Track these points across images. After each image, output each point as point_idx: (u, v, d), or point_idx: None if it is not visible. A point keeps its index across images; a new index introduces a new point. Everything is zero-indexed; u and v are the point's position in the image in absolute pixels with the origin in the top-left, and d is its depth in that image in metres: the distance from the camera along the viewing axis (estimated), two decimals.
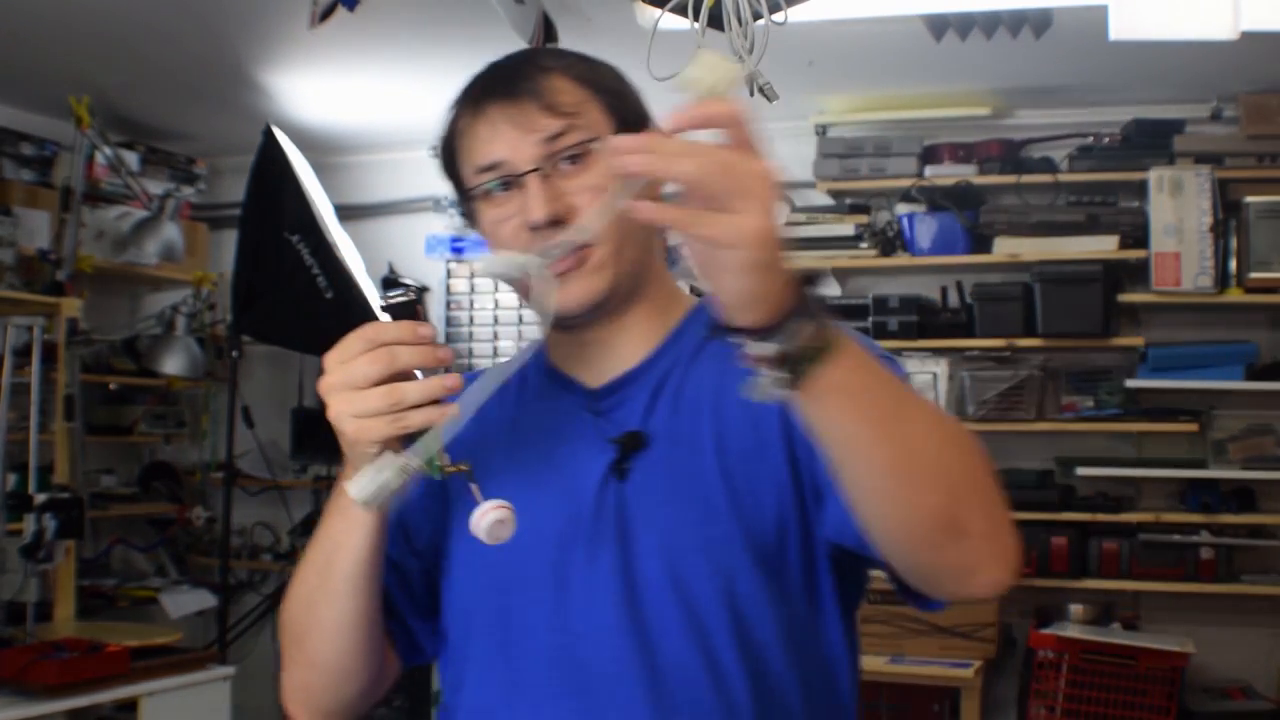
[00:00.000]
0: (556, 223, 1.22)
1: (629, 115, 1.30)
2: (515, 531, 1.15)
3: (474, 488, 1.16)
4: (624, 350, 1.32)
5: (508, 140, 1.25)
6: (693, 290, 1.40)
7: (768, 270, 0.94)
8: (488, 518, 1.13)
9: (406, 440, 1.14)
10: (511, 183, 1.26)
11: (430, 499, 1.35)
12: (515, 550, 1.20)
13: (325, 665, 1.30)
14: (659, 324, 1.33)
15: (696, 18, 1.97)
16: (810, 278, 0.98)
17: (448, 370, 1.14)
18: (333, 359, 1.13)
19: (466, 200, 1.32)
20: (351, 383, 1.11)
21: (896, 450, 1.03)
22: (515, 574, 1.27)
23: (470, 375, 1.38)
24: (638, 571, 1.22)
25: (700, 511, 1.23)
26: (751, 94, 1.93)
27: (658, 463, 1.25)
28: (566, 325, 1.29)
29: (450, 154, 1.32)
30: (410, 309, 1.15)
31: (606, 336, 1.31)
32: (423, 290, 5.07)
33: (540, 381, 1.37)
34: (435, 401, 1.12)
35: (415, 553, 1.36)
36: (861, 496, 1.07)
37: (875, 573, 1.28)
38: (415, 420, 1.11)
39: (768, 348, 0.97)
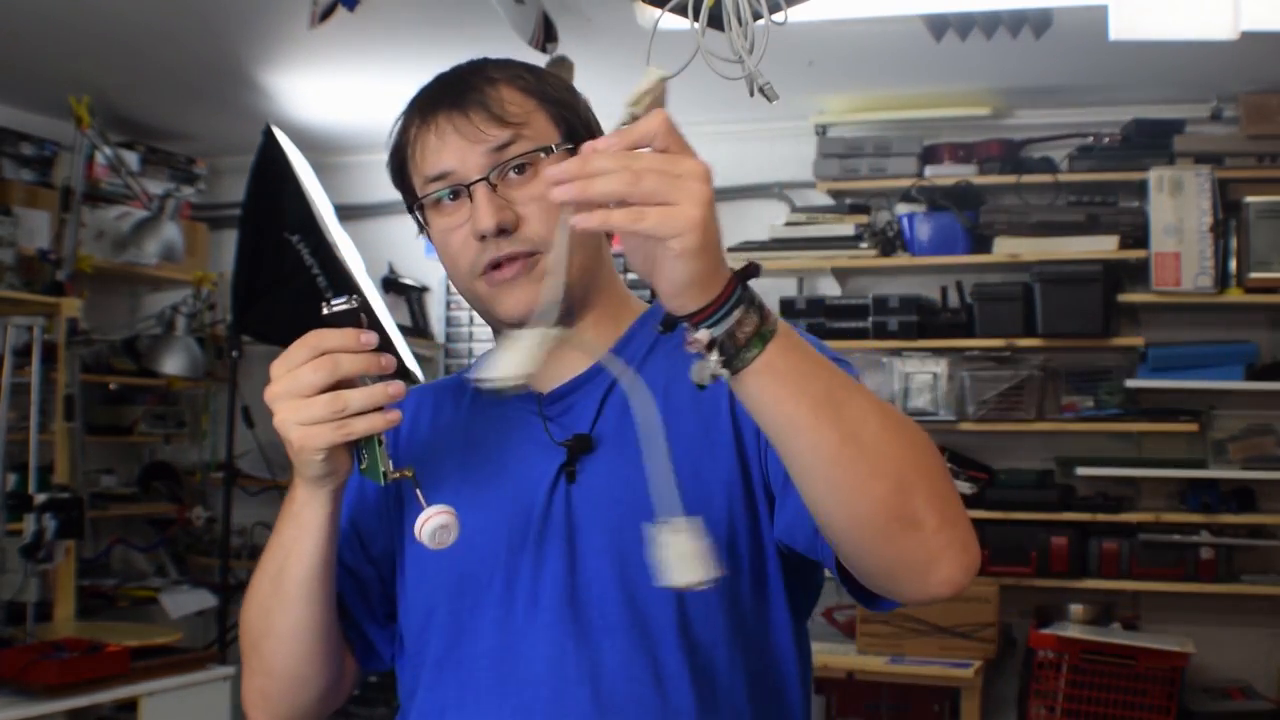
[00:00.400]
0: (504, 231, 1.25)
1: (577, 125, 1.33)
2: (460, 535, 1.17)
3: (418, 493, 1.17)
4: (574, 356, 1.33)
5: (455, 150, 1.27)
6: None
7: (702, 257, 0.97)
8: (431, 523, 1.14)
9: (352, 447, 1.16)
10: (460, 192, 1.28)
11: (385, 505, 1.38)
12: (467, 554, 1.24)
13: (282, 672, 1.31)
14: (610, 330, 1.34)
15: (696, 18, 1.96)
16: (746, 269, 1.02)
17: (392, 377, 1.16)
18: (278, 368, 1.15)
19: (416, 209, 1.34)
20: (296, 391, 1.13)
21: (840, 434, 1.04)
22: (467, 577, 1.28)
23: (418, 389, 1.45)
24: (583, 572, 1.24)
25: (647, 512, 1.22)
26: (751, 94, 1.93)
27: (605, 465, 1.27)
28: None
29: (400, 163, 1.35)
30: (353, 316, 1.16)
31: (560, 347, 1.32)
32: (423, 290, 5.08)
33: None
34: (379, 409, 1.14)
35: (371, 559, 1.38)
36: (810, 485, 1.08)
37: None
38: (359, 427, 1.13)
39: (706, 333, 1.00)
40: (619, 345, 1.34)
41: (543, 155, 1.28)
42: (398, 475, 1.18)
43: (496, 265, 1.27)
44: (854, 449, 1.04)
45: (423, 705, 1.32)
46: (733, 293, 1.00)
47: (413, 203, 1.34)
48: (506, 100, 1.29)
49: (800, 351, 1.04)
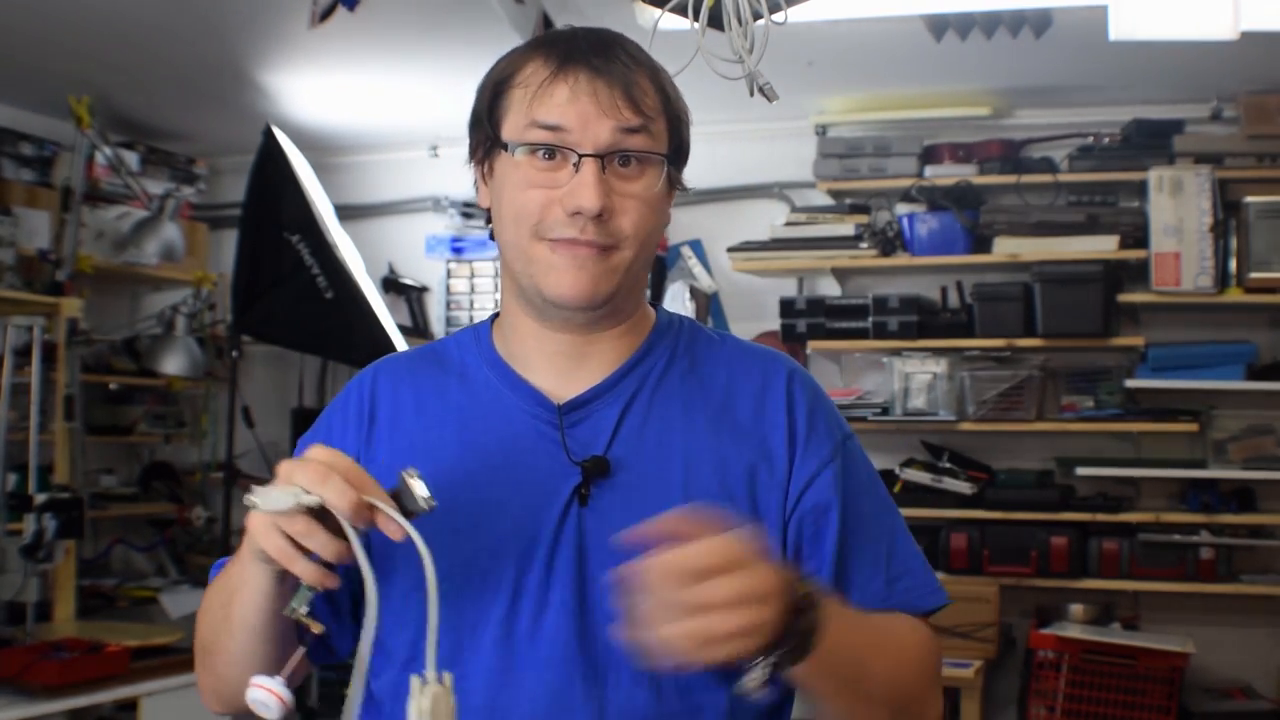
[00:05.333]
0: (599, 217, 1.21)
1: (683, 143, 1.31)
2: (464, 544, 1.20)
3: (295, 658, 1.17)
4: (592, 363, 1.30)
5: (583, 113, 1.21)
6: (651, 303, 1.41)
7: (762, 631, 1.06)
8: (253, 694, 1.12)
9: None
10: (556, 153, 1.22)
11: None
12: (471, 562, 1.22)
13: (231, 679, 1.27)
14: (629, 340, 1.32)
15: (696, 18, 1.96)
16: (802, 599, 1.10)
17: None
18: (292, 465, 1.11)
19: (493, 146, 1.27)
20: (289, 474, 1.09)
21: (859, 701, 1.21)
22: (468, 592, 1.24)
23: (384, 364, 1.39)
24: (590, 596, 1.22)
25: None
26: (751, 94, 1.93)
27: (620, 492, 1.25)
28: (554, 316, 1.28)
29: (498, 94, 1.27)
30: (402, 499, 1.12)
31: (581, 344, 1.30)
32: (423, 290, 5.08)
33: (490, 376, 1.33)
34: (324, 563, 1.10)
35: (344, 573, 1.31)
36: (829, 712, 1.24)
37: None
38: (298, 566, 1.10)
39: (759, 665, 1.10)
40: (633, 360, 1.31)
41: (652, 158, 1.25)
42: (303, 620, 1.14)
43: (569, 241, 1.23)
44: (869, 706, 1.22)
45: None
46: (784, 632, 1.08)
47: (492, 139, 1.27)
48: (645, 90, 1.24)
49: (837, 641, 1.12)
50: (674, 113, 1.28)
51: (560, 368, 1.30)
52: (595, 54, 1.23)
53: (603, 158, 1.21)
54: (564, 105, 1.21)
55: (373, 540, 1.13)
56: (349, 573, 1.22)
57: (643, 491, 1.24)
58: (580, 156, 1.21)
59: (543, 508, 1.24)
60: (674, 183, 1.31)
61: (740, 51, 1.93)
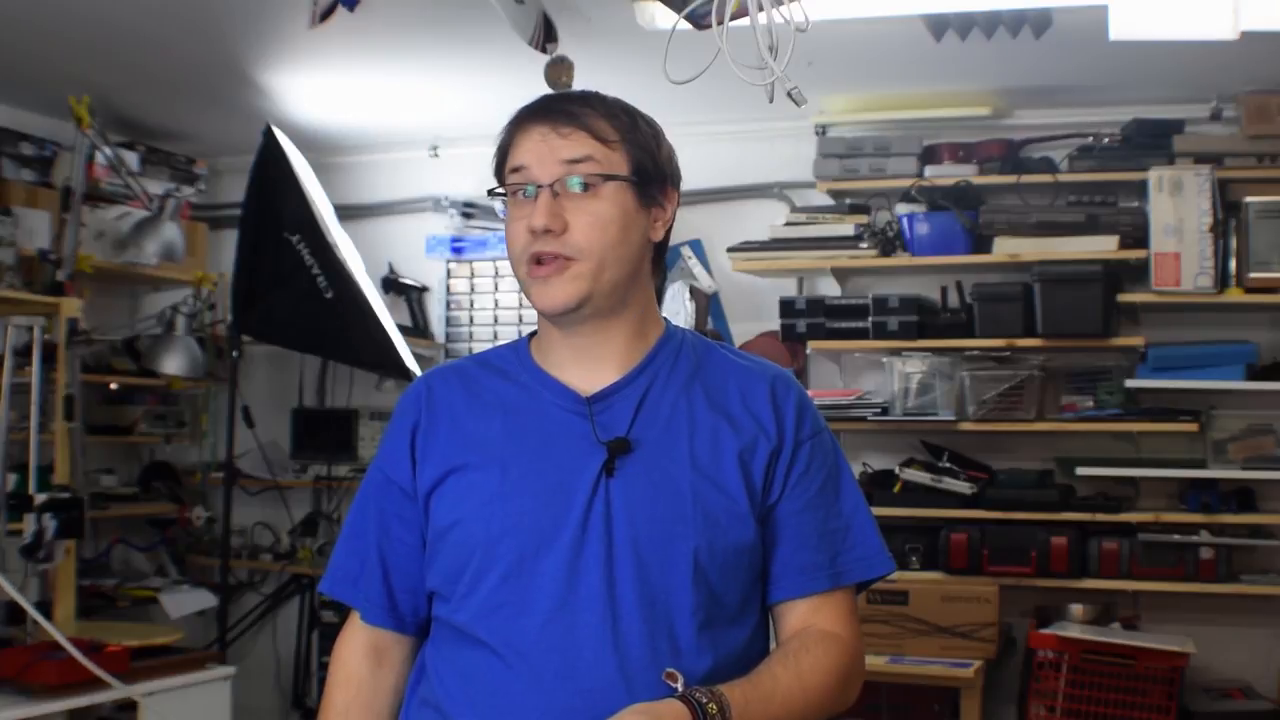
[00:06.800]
0: (549, 231, 1.49)
1: (648, 167, 1.55)
2: (513, 511, 1.48)
3: None
4: (610, 362, 1.56)
5: (536, 153, 1.51)
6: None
7: None
8: None
9: None
10: (534, 190, 1.50)
11: (413, 489, 1.58)
12: (520, 523, 1.49)
13: None
14: (639, 343, 1.58)
15: (719, 22, 1.97)
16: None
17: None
18: None
19: (499, 195, 1.57)
20: None
21: None
22: (529, 545, 1.49)
23: (435, 374, 1.67)
24: (615, 552, 1.48)
25: (669, 514, 1.50)
26: (771, 100, 1.95)
27: (639, 464, 1.51)
28: (558, 321, 1.54)
29: (501, 157, 1.57)
30: None
31: (593, 344, 1.56)
32: (423, 290, 5.08)
33: (527, 379, 1.59)
34: None
35: (416, 532, 1.60)
36: None
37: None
38: None
39: None
40: (646, 361, 1.57)
41: (602, 180, 1.50)
42: None
43: (539, 260, 1.50)
44: None
45: (470, 658, 1.50)
46: None
47: (496, 189, 1.57)
48: (594, 128, 1.51)
49: None
50: (637, 143, 1.54)
51: (586, 366, 1.56)
52: (552, 109, 1.53)
53: (552, 185, 1.50)
54: (525, 151, 1.53)
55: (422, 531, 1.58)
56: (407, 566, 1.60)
57: (656, 463, 1.51)
58: (536, 188, 1.50)
59: (577, 478, 1.50)
60: (647, 198, 1.55)
61: (765, 56, 1.95)
